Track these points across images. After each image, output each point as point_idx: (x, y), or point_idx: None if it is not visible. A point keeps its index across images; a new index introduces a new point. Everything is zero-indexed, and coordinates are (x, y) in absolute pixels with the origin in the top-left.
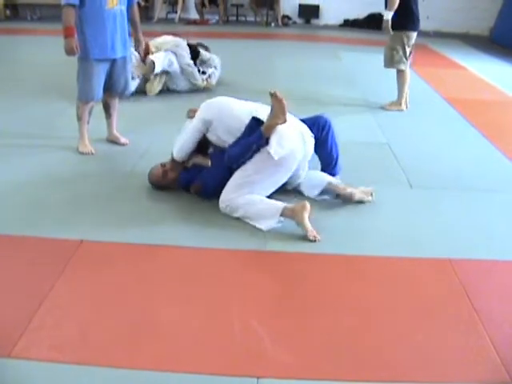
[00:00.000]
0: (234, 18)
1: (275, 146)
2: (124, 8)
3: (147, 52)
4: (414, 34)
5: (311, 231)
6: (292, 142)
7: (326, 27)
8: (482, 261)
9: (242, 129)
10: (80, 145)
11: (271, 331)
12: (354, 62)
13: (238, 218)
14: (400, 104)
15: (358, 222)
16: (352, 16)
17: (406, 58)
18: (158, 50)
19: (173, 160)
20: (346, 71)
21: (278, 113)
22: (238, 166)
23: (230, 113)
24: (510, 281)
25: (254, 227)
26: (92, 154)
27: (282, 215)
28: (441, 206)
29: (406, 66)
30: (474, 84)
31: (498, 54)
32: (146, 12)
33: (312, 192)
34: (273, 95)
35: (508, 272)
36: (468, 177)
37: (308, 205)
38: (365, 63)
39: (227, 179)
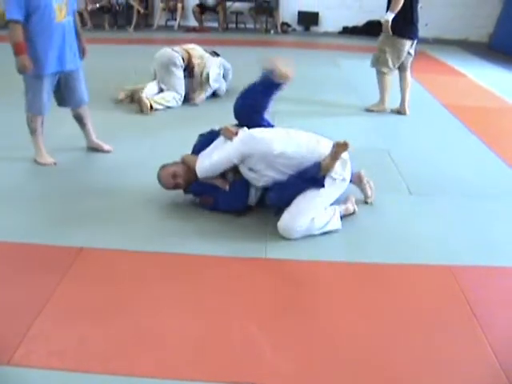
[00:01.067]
0: (234, 26)
1: (340, 172)
2: (71, 19)
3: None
4: (408, 42)
5: (371, 196)
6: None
7: (326, 34)
8: (482, 267)
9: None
10: (38, 156)
11: (271, 339)
12: (353, 68)
13: (238, 224)
14: (383, 104)
15: (358, 229)
16: (351, 23)
17: (393, 65)
18: (202, 59)
19: (190, 171)
20: (345, 78)
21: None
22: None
23: (270, 147)
24: (510, 287)
25: (254, 234)
26: (54, 164)
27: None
28: (440, 213)
29: (387, 70)
30: (473, 91)
31: (497, 60)
32: (146, 19)
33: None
34: (342, 145)
35: (508, 278)
36: (467, 183)
37: (353, 198)
38: (364, 70)
39: (240, 207)
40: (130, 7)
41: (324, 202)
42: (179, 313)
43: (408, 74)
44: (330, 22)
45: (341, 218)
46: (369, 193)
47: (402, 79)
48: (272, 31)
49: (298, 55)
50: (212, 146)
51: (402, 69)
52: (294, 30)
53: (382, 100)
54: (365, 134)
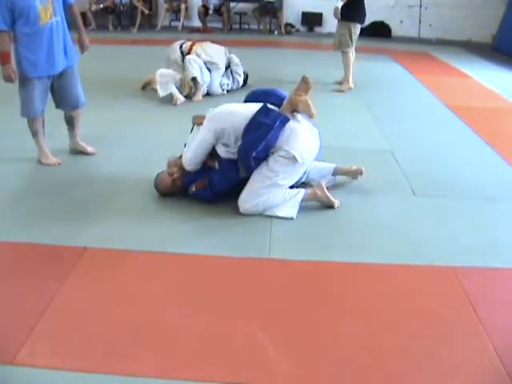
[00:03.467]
0: (237, 26)
1: (299, 150)
2: (60, 18)
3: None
4: (358, 26)
5: (335, 201)
6: (309, 143)
7: (330, 35)
8: (486, 269)
9: None
10: (42, 157)
11: (273, 339)
12: (357, 69)
13: (241, 223)
14: (348, 83)
15: (361, 229)
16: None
17: (352, 43)
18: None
19: (182, 169)
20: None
21: (303, 88)
22: (249, 162)
23: (240, 117)
24: None
25: (257, 233)
26: (59, 164)
27: (303, 200)
28: (444, 214)
29: (350, 50)
30: (477, 92)
31: (501, 61)
32: (150, 20)
33: (324, 180)
34: (304, 77)
35: None
36: (471, 184)
37: (323, 183)
38: (368, 70)
39: (234, 181)
40: (133, 8)
41: (276, 178)
42: (181, 313)
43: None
44: (334, 22)
45: (304, 201)
46: (353, 168)
47: (352, 58)
48: (276, 32)
49: (302, 56)
50: (190, 138)
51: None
52: (298, 30)
53: (346, 79)
54: (368, 134)
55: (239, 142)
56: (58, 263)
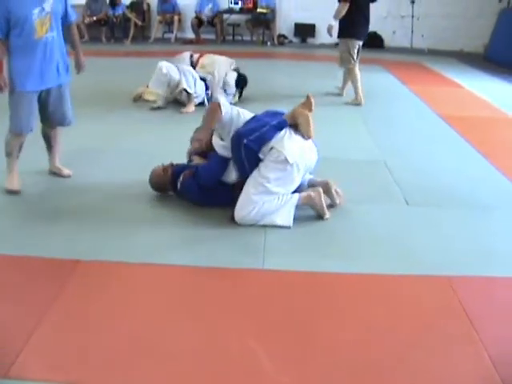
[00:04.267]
0: (231, 38)
1: (291, 151)
2: (56, 34)
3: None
4: (358, 42)
5: (327, 214)
6: (304, 149)
7: (323, 46)
8: (481, 278)
9: None
10: (6, 181)
11: (269, 351)
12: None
13: (235, 234)
14: (356, 99)
15: (355, 240)
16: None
17: (354, 59)
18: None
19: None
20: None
21: (307, 105)
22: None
23: (245, 116)
24: (509, 298)
25: (251, 244)
26: (17, 193)
27: (298, 205)
28: (438, 223)
29: (353, 65)
30: (469, 101)
31: (493, 71)
32: (143, 32)
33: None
34: (308, 96)
35: (507, 289)
36: (464, 194)
37: (321, 189)
38: (362, 81)
39: (222, 169)
40: (127, 20)
41: (269, 185)
42: (177, 325)
43: (356, 67)
44: (327, 34)
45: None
46: (337, 201)
47: (356, 73)
48: (269, 43)
49: (295, 67)
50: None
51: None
52: (291, 41)
53: (356, 93)
54: (362, 144)
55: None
56: (52, 275)
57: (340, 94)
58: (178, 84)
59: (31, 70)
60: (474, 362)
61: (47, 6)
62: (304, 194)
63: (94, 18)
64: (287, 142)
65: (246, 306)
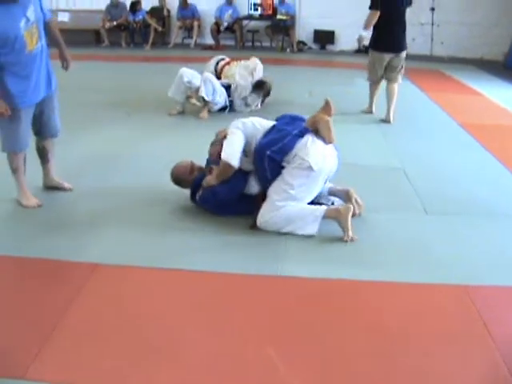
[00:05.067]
0: (250, 44)
1: (314, 158)
2: (44, 42)
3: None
4: (385, 55)
5: (350, 234)
6: (326, 156)
7: (342, 53)
8: (499, 287)
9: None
10: (22, 198)
11: (286, 359)
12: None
13: (253, 240)
14: (370, 107)
15: (372, 248)
16: (367, 42)
17: (375, 73)
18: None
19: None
20: (361, 97)
21: (327, 110)
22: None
23: (265, 125)
24: None
25: (267, 250)
26: (39, 206)
27: (324, 217)
28: (456, 232)
29: (373, 80)
30: (489, 109)
31: None
32: (163, 37)
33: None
34: (327, 100)
35: None
36: (484, 202)
37: (352, 207)
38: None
39: (243, 185)
40: (147, 25)
41: (293, 191)
42: (193, 331)
43: (393, 85)
44: (346, 40)
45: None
46: (357, 211)
47: (387, 89)
48: (288, 49)
49: (315, 73)
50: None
51: (388, 80)
52: (310, 48)
53: (369, 103)
54: (380, 152)
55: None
56: (70, 279)
57: (369, 112)
58: (197, 90)
59: (29, 85)
60: (492, 372)
61: (31, 15)
62: (333, 207)
63: (115, 23)
64: (311, 149)
65: (263, 313)
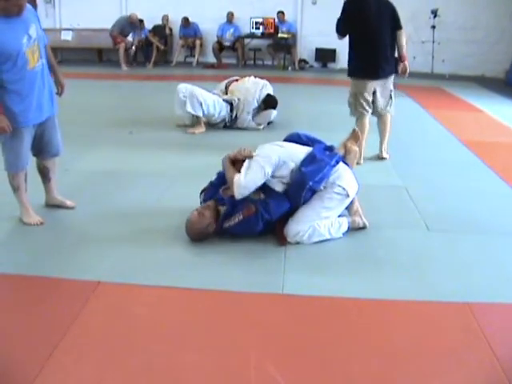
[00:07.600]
0: (252, 62)
1: (351, 187)
2: (45, 61)
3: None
4: (367, 83)
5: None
6: (354, 181)
7: (343, 71)
8: (502, 305)
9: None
10: (24, 216)
11: (288, 377)
12: None
13: (255, 257)
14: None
15: (375, 265)
16: None
17: (357, 106)
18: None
19: (215, 211)
20: None
21: (355, 139)
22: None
23: (298, 151)
24: None
25: (271, 267)
26: (41, 224)
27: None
28: (459, 249)
29: (356, 115)
30: (491, 127)
31: None
32: (165, 56)
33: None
34: (355, 130)
35: None
36: (486, 219)
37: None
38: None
39: (288, 210)
40: (149, 44)
41: (327, 213)
42: (195, 350)
43: (384, 119)
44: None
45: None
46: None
47: (378, 124)
48: (289, 68)
49: (316, 91)
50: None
51: (377, 115)
52: (312, 66)
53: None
54: (382, 170)
55: (294, 172)
56: (72, 297)
57: (380, 158)
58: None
59: (31, 103)
60: None
61: (33, 33)
62: (350, 220)
63: (133, 46)
64: (346, 177)
65: (265, 332)
